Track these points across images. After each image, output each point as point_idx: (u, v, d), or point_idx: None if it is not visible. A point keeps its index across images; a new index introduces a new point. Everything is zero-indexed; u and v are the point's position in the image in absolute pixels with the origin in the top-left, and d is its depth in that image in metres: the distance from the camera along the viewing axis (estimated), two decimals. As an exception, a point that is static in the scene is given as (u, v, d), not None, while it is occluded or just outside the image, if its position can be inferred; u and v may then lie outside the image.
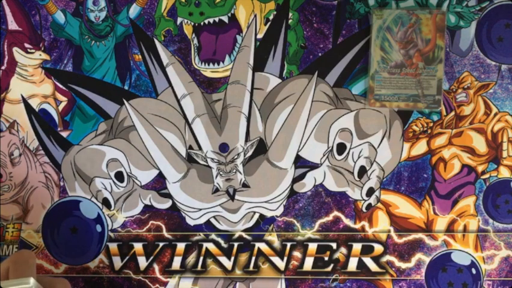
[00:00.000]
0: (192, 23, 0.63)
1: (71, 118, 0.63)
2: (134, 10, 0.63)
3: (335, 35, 0.63)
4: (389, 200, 0.63)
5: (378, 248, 0.63)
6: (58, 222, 0.63)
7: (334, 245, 0.63)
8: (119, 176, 0.63)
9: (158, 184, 0.63)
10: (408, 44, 0.61)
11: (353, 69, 0.63)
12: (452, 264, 0.63)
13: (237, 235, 0.63)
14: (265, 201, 0.63)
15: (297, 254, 0.63)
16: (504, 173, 0.63)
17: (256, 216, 0.63)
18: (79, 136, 0.63)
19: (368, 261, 0.63)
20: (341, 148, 0.63)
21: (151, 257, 0.63)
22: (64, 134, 0.63)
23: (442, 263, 0.63)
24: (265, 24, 0.63)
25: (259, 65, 0.63)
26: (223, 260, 0.63)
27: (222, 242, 0.63)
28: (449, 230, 0.63)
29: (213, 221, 0.63)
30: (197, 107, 0.62)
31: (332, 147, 0.63)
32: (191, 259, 0.63)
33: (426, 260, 0.63)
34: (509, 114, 0.63)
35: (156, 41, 0.63)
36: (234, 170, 0.63)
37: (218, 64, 0.63)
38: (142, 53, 0.63)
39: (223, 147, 0.63)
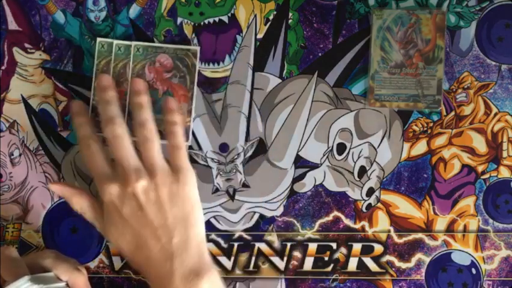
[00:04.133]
0: (192, 23, 0.63)
1: (71, 118, 0.63)
2: (134, 10, 0.63)
3: (335, 35, 0.63)
4: (389, 200, 0.63)
5: (378, 248, 0.63)
6: (58, 222, 0.63)
7: (334, 245, 0.63)
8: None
9: (158, 184, 0.63)
10: (408, 44, 0.61)
11: (353, 69, 0.63)
12: (452, 264, 0.63)
13: (237, 235, 0.63)
14: (265, 201, 0.63)
15: (297, 254, 0.63)
16: (504, 173, 0.63)
17: (256, 216, 0.63)
18: (79, 136, 0.63)
19: (368, 261, 0.63)
20: (341, 148, 0.63)
21: (151, 257, 0.63)
22: (64, 134, 0.63)
23: (442, 263, 0.63)
24: (265, 24, 0.63)
25: (259, 65, 0.63)
26: (223, 260, 0.63)
27: (222, 242, 0.63)
28: (449, 230, 0.63)
29: (212, 221, 0.63)
30: (197, 107, 0.62)
31: (332, 147, 0.63)
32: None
33: (426, 260, 0.63)
34: (509, 114, 0.63)
35: (156, 41, 0.63)
36: (234, 170, 0.63)
37: (218, 64, 0.63)
38: (142, 53, 0.63)
39: (223, 147, 0.63)
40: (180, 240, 0.54)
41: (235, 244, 0.63)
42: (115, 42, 0.61)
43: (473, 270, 0.62)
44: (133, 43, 0.61)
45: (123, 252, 0.56)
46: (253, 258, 0.63)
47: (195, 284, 0.53)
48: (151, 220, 0.54)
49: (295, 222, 0.63)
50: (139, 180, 0.54)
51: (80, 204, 0.57)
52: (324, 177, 0.63)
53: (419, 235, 0.63)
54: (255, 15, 0.63)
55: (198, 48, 0.61)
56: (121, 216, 0.54)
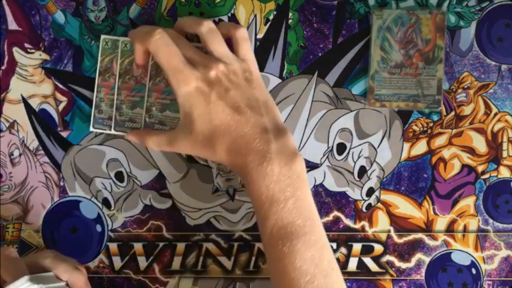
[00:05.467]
0: (192, 23, 0.63)
1: (71, 118, 0.63)
2: (134, 10, 0.63)
3: (335, 35, 0.63)
4: (389, 200, 0.63)
5: (378, 248, 0.63)
6: (58, 222, 0.63)
7: (334, 245, 0.63)
8: (119, 176, 0.63)
9: (158, 184, 0.63)
10: (408, 44, 0.61)
11: (353, 69, 0.63)
12: (452, 264, 0.63)
13: (237, 235, 0.63)
14: (265, 201, 0.63)
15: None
16: (504, 173, 0.63)
17: (256, 216, 0.63)
18: (79, 136, 0.63)
19: (368, 261, 0.63)
20: (341, 148, 0.63)
21: (151, 257, 0.63)
22: (64, 134, 0.63)
23: (442, 263, 0.63)
24: (265, 24, 0.63)
25: (259, 65, 0.63)
26: (223, 260, 0.63)
27: (222, 242, 0.63)
28: (449, 230, 0.63)
29: (212, 221, 0.63)
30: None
31: (332, 147, 0.63)
32: (191, 259, 0.63)
33: (427, 260, 0.63)
34: (509, 114, 0.63)
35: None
36: (234, 172, 0.63)
37: (218, 64, 0.63)
38: (142, 53, 0.63)
39: (223, 147, 0.63)
40: (269, 119, 0.55)
41: (235, 244, 0.63)
42: (121, 39, 0.61)
43: (473, 270, 0.62)
44: None
45: (210, 140, 0.55)
46: (253, 258, 0.63)
47: (292, 161, 0.53)
48: (239, 100, 0.54)
49: (295, 222, 0.63)
50: (218, 64, 0.55)
51: (153, 139, 0.58)
52: (324, 177, 0.63)
53: (419, 235, 0.63)
54: (255, 15, 0.63)
55: None
56: (209, 102, 0.54)
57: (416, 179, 0.63)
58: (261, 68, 0.63)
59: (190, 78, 0.54)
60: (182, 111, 0.55)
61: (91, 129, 0.62)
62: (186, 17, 0.61)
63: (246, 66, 0.56)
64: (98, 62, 0.61)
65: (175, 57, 0.54)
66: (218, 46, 0.56)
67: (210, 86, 0.54)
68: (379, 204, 0.63)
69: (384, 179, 0.63)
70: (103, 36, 0.61)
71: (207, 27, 0.56)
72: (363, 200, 0.63)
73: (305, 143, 0.63)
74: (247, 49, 0.58)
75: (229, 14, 0.63)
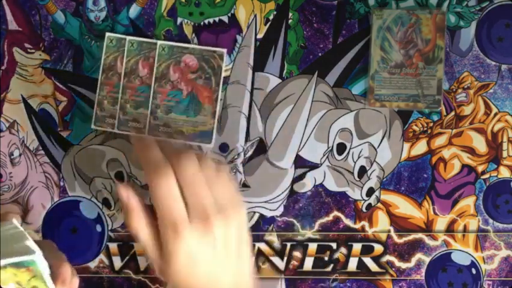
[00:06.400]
0: (192, 23, 0.63)
1: (71, 118, 0.63)
2: (134, 10, 0.63)
3: (335, 35, 0.63)
4: (389, 200, 0.63)
5: (378, 248, 0.63)
6: (58, 222, 0.63)
7: (334, 245, 0.63)
8: (119, 176, 0.63)
9: (158, 184, 0.63)
10: (408, 44, 0.61)
11: (353, 69, 0.63)
12: (452, 264, 0.63)
13: (237, 235, 0.63)
14: (265, 201, 0.63)
15: (297, 254, 0.63)
16: (504, 173, 0.63)
17: (256, 216, 0.63)
18: (79, 136, 0.63)
19: (368, 261, 0.63)
20: (341, 148, 0.63)
21: (151, 257, 0.63)
22: (64, 134, 0.63)
23: (442, 263, 0.63)
24: (265, 24, 0.63)
25: (259, 65, 0.63)
26: (223, 260, 0.63)
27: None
28: (449, 230, 0.63)
29: (213, 221, 0.63)
30: (197, 107, 0.62)
31: (332, 147, 0.63)
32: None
33: (427, 260, 0.63)
34: (509, 114, 0.63)
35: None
36: (234, 170, 0.63)
37: (218, 64, 0.63)
38: (142, 53, 0.63)
39: (223, 148, 0.63)
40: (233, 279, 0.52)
41: (235, 244, 0.63)
42: (128, 38, 0.61)
43: (473, 270, 0.62)
44: (159, 42, 0.61)
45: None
46: (253, 258, 0.63)
47: None
48: (223, 260, 0.52)
49: (295, 222, 0.63)
50: (215, 220, 0.50)
51: (141, 224, 0.52)
52: (324, 177, 0.63)
53: (419, 235, 0.63)
54: (255, 15, 0.63)
55: (224, 51, 0.61)
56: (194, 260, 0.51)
57: (416, 179, 0.63)
58: (261, 68, 0.63)
59: (187, 235, 0.50)
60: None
61: (92, 126, 0.62)
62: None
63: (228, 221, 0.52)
64: (102, 59, 0.61)
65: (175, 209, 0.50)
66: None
67: (200, 247, 0.50)
68: (379, 204, 0.63)
69: (384, 179, 0.63)
70: (107, 34, 0.61)
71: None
72: (363, 200, 0.63)
73: (305, 143, 0.63)
74: (231, 198, 0.53)
75: (229, 14, 0.63)
